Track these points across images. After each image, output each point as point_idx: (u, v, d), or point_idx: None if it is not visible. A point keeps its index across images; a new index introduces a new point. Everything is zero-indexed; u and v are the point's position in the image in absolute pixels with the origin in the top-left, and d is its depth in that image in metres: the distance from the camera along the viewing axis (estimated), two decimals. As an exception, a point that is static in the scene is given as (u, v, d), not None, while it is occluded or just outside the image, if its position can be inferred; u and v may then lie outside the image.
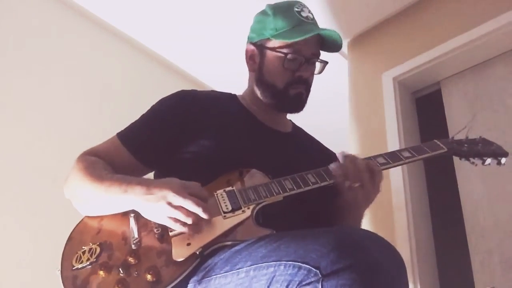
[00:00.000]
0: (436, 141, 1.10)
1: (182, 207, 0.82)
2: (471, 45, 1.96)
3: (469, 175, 1.88)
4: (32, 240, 1.82)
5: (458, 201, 1.89)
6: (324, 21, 2.35)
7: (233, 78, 2.22)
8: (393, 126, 2.12)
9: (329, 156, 1.24)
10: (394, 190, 1.98)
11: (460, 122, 2.02)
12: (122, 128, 1.08)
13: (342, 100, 2.56)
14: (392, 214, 1.94)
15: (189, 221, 0.82)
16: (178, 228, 0.83)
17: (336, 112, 2.85)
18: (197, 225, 0.84)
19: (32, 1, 2.21)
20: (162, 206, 0.82)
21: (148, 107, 1.11)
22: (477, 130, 1.91)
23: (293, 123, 1.26)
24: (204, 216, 0.82)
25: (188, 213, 0.82)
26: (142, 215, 0.87)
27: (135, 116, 1.10)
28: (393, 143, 2.07)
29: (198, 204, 0.82)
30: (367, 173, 0.97)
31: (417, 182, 2.06)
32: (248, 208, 0.90)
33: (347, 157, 1.00)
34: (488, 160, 1.10)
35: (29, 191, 1.88)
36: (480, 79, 2.03)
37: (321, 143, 1.28)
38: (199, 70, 2.91)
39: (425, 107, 2.31)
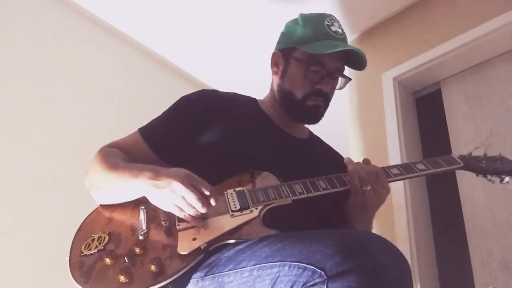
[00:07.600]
0: (453, 155, 1.09)
1: (184, 197, 0.84)
2: (471, 45, 1.96)
3: (469, 175, 1.87)
4: (32, 240, 1.81)
5: (458, 201, 1.89)
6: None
7: (240, 82, 2.23)
8: (393, 126, 2.12)
9: (343, 165, 1.25)
10: (394, 190, 1.97)
11: (460, 122, 2.02)
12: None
13: (342, 100, 2.55)
14: (392, 214, 1.94)
15: (190, 211, 0.85)
16: (182, 217, 0.86)
17: (335, 112, 2.84)
18: (201, 219, 0.86)
19: (42, 3, 2.21)
20: (167, 193, 0.85)
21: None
22: (477, 130, 1.93)
23: (310, 131, 1.27)
24: (201, 210, 0.84)
25: (189, 204, 0.84)
26: (150, 201, 0.89)
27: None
28: (393, 144, 2.07)
29: (198, 198, 0.83)
30: (372, 175, 0.99)
31: (417, 182, 2.06)
32: (256, 209, 0.91)
33: (351, 162, 1.02)
34: (507, 179, 1.08)
35: (29, 191, 1.87)
36: (480, 79, 2.03)
37: (337, 152, 1.28)
38: (206, 74, 2.88)
39: (425, 107, 2.31)
